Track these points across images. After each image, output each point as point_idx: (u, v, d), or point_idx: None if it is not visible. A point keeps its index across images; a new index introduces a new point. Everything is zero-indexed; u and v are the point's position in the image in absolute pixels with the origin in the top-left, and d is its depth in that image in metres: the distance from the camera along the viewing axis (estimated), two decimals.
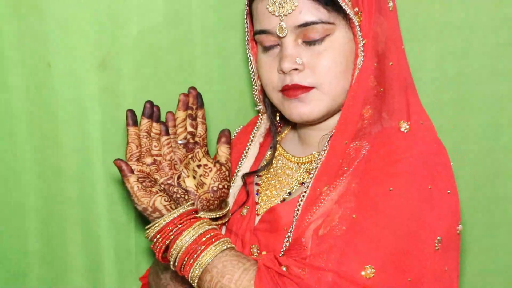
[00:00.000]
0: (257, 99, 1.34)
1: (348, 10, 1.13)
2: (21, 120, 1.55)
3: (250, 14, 1.24)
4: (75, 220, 1.61)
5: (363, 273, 1.04)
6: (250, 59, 1.30)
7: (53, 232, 1.62)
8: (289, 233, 1.15)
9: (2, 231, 1.62)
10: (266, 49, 1.21)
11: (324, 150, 1.18)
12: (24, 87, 1.53)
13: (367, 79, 1.15)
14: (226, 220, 1.29)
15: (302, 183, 1.25)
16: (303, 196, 1.17)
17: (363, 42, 1.16)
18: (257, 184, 1.33)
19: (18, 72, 1.53)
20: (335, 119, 1.21)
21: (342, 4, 1.12)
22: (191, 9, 1.51)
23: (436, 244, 1.09)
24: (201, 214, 1.19)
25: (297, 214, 1.16)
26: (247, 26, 1.27)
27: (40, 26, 1.50)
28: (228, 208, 1.29)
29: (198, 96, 1.26)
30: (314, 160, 1.24)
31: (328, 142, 1.19)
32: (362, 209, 1.07)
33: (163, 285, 1.31)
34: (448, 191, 1.12)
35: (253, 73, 1.30)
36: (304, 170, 1.26)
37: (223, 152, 1.25)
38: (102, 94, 1.52)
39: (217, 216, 1.24)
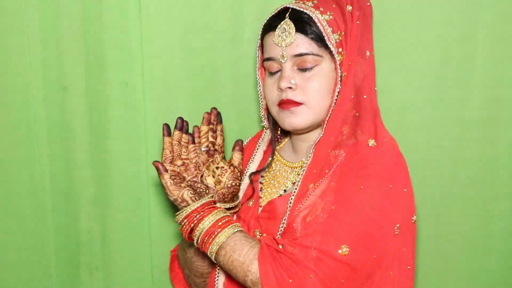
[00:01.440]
0: (262, 116, 1.49)
1: (333, 49, 1.32)
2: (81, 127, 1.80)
3: (262, 46, 1.42)
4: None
5: (340, 251, 1.21)
6: (259, 82, 1.46)
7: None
8: (283, 220, 1.32)
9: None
10: (271, 74, 1.39)
11: (310, 156, 1.34)
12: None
13: (346, 105, 1.33)
14: (237, 209, 1.44)
15: (294, 182, 1.40)
16: (294, 192, 1.33)
17: (343, 74, 1.33)
18: (260, 182, 1.48)
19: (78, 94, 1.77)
20: (317, 133, 1.38)
21: (329, 44, 1.31)
22: (216, 45, 1.73)
23: (396, 230, 1.26)
24: (218, 204, 1.35)
25: (289, 206, 1.31)
26: (258, 56, 1.44)
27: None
28: (239, 201, 1.44)
29: (218, 114, 1.44)
30: (303, 166, 1.37)
31: (312, 150, 1.34)
32: (339, 202, 1.25)
33: (189, 257, 1.48)
34: (405, 190, 1.29)
35: (260, 94, 1.46)
36: (296, 172, 1.42)
37: (236, 157, 1.42)
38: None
39: (230, 206, 1.39)
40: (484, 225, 1.82)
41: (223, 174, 1.39)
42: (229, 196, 1.40)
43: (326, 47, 1.33)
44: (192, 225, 1.29)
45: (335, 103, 1.34)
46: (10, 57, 1.75)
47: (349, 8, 1.35)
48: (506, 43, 1.70)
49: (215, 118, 1.45)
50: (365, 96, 1.36)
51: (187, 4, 1.71)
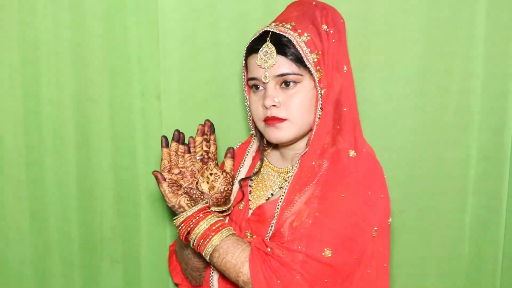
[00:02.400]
0: (251, 126, 1.56)
1: (311, 68, 1.38)
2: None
3: (246, 66, 1.49)
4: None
5: (323, 253, 1.29)
6: (246, 98, 1.52)
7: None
8: (272, 224, 1.39)
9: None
10: (256, 91, 1.45)
11: (296, 166, 1.41)
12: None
13: (328, 119, 1.40)
14: (230, 212, 1.51)
15: (281, 187, 1.47)
16: (281, 199, 1.40)
17: (323, 91, 1.39)
18: (250, 186, 1.55)
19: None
20: (302, 142, 1.46)
21: (307, 64, 1.37)
22: (224, 59, 1.87)
23: (374, 232, 1.35)
24: (212, 208, 1.42)
25: (277, 212, 1.38)
26: (244, 75, 1.51)
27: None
28: (231, 204, 1.50)
29: (211, 126, 1.51)
30: (289, 171, 1.46)
31: (298, 160, 1.41)
32: (323, 209, 1.33)
33: (186, 254, 1.56)
34: (382, 196, 1.37)
35: (248, 108, 1.52)
36: (282, 177, 1.49)
37: (228, 164, 1.46)
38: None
39: (223, 209, 1.47)
40: (458, 217, 1.95)
41: (216, 180, 1.43)
42: (222, 200, 1.45)
43: (305, 66, 1.39)
44: (188, 229, 1.37)
45: (318, 118, 1.41)
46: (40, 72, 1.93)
47: (324, 27, 1.41)
48: (478, 59, 1.85)
49: (208, 129, 1.51)
50: (345, 109, 1.42)
51: (198, 23, 1.85)
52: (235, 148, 1.65)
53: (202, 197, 1.43)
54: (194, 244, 1.37)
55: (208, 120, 1.52)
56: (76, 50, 1.87)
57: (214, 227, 1.36)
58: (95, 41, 1.87)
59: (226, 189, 1.45)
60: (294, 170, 1.43)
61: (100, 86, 1.90)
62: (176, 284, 1.76)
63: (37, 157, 1.97)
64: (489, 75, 1.85)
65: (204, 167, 1.47)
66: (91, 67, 1.88)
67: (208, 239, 1.35)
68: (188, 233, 1.38)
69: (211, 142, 1.52)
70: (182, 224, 1.38)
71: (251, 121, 1.56)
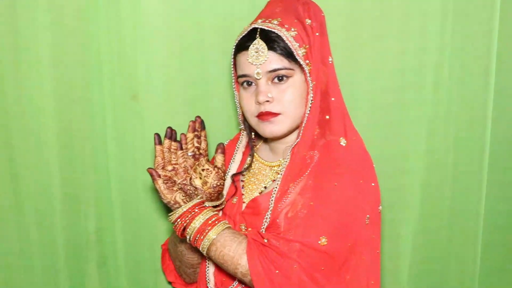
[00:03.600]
0: (240, 121, 1.58)
1: (302, 62, 1.40)
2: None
3: (235, 64, 1.50)
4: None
5: (319, 242, 1.31)
6: (236, 95, 1.54)
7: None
8: (267, 216, 1.41)
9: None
10: (247, 88, 1.47)
11: (288, 158, 1.43)
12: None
13: (317, 111, 1.43)
14: (223, 206, 1.53)
15: (274, 180, 1.49)
16: (275, 190, 1.42)
17: (313, 83, 1.42)
18: (242, 181, 1.57)
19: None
20: (293, 136, 1.48)
21: (298, 58, 1.40)
22: (209, 59, 1.87)
23: (366, 220, 1.38)
24: (206, 203, 1.43)
25: (271, 203, 1.41)
26: (233, 72, 1.52)
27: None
28: (223, 199, 1.52)
29: (202, 122, 1.53)
30: (281, 165, 1.48)
31: (290, 152, 1.44)
32: (317, 199, 1.35)
33: (180, 251, 1.57)
34: (373, 184, 1.41)
35: (238, 105, 1.54)
36: (274, 171, 1.52)
37: (219, 159, 1.48)
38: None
39: (216, 204, 1.48)
40: (437, 204, 2.06)
41: (208, 175, 1.46)
42: (215, 195, 1.48)
43: (295, 61, 1.42)
44: (184, 224, 1.38)
45: (309, 110, 1.44)
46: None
47: (308, 21, 1.43)
48: (452, 54, 1.93)
49: (199, 125, 1.54)
50: (333, 99, 1.46)
51: (182, 23, 1.84)
52: (226, 142, 1.66)
53: (196, 192, 1.45)
54: (191, 239, 1.39)
55: (199, 117, 1.54)
56: (55, 50, 1.82)
57: (210, 221, 1.38)
58: (75, 41, 1.83)
59: (218, 184, 1.47)
60: (286, 162, 1.45)
61: (81, 86, 1.86)
62: (170, 282, 1.77)
63: (18, 159, 1.89)
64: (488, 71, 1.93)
65: (196, 163, 1.50)
66: (71, 68, 1.84)
67: (204, 234, 1.37)
68: (184, 228, 1.39)
69: (202, 138, 1.54)
70: (178, 220, 1.39)
71: (240, 117, 1.58)
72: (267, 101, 1.42)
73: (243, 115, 1.55)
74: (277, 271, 1.32)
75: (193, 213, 1.39)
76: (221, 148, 1.50)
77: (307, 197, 1.37)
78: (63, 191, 1.90)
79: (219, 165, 1.49)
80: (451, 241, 2.07)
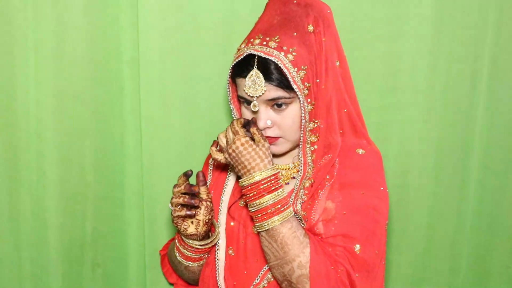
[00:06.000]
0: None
1: (298, 92, 1.36)
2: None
3: (233, 81, 1.45)
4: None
5: (356, 249, 1.34)
6: (233, 110, 1.51)
7: None
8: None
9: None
10: (247, 106, 1.43)
11: (300, 162, 1.42)
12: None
13: (325, 125, 1.40)
14: (212, 244, 1.51)
15: (287, 183, 1.47)
16: (296, 190, 1.41)
17: (310, 107, 1.39)
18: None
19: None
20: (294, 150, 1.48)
21: (295, 87, 1.34)
22: (207, 56, 1.89)
23: (386, 226, 1.41)
24: (198, 244, 1.47)
25: (299, 210, 1.39)
26: (229, 89, 1.47)
27: None
28: (217, 234, 1.51)
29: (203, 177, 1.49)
30: (290, 169, 1.49)
31: (301, 157, 1.42)
32: (348, 207, 1.37)
33: (178, 261, 1.55)
34: (387, 190, 1.43)
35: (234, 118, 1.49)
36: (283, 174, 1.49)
37: (203, 191, 1.47)
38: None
39: (207, 242, 1.49)
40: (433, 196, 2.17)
41: (198, 214, 1.46)
42: (209, 228, 1.49)
43: (293, 89, 1.37)
44: (272, 188, 1.34)
45: (302, 134, 1.41)
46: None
47: (311, 28, 1.37)
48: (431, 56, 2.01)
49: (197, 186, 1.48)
50: (345, 110, 1.44)
51: (180, 19, 1.86)
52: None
53: (194, 237, 1.48)
54: (269, 203, 1.34)
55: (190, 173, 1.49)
56: (56, 45, 1.82)
57: (289, 198, 1.39)
58: (76, 37, 1.82)
59: (209, 217, 1.48)
60: (299, 166, 1.45)
61: (80, 83, 1.85)
62: (171, 284, 1.75)
63: (15, 157, 1.88)
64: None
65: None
66: (71, 63, 1.83)
67: (287, 206, 1.35)
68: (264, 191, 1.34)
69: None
70: (264, 182, 1.34)
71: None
72: (267, 127, 1.42)
73: None
74: (332, 267, 1.32)
75: (274, 183, 1.35)
76: (202, 181, 1.48)
77: (337, 202, 1.39)
78: (60, 191, 1.89)
79: (204, 197, 1.48)
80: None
